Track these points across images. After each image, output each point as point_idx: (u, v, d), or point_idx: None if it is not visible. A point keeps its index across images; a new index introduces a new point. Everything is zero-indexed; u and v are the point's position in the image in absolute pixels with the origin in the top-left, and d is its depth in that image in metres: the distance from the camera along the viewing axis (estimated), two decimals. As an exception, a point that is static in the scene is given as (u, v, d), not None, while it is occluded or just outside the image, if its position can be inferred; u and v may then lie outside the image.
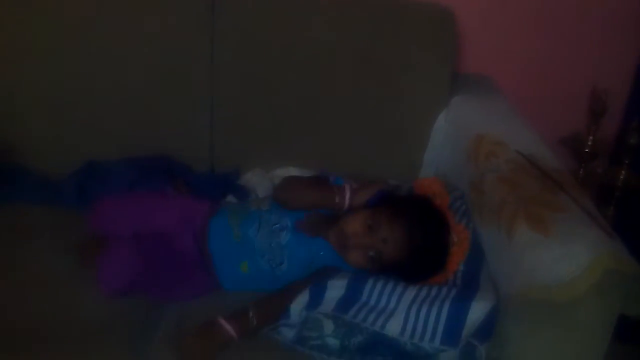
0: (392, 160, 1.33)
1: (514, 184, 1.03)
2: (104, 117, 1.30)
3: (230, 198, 1.26)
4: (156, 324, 1.01)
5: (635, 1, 1.48)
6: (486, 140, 1.16)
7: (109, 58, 1.27)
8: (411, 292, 0.96)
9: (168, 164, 1.27)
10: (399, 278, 1.00)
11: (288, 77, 1.30)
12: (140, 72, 1.28)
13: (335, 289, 0.97)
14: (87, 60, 1.27)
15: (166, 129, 1.31)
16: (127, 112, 1.30)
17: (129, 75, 1.29)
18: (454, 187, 1.19)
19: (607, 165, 1.53)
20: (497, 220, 1.00)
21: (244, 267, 1.06)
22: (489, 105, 1.31)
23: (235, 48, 1.28)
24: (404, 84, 1.31)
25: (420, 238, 0.99)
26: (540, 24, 1.51)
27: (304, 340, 0.97)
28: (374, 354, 0.95)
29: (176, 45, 1.27)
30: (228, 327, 0.95)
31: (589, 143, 1.49)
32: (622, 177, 1.45)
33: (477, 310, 0.93)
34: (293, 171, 1.32)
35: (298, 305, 0.97)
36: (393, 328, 0.93)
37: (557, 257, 0.88)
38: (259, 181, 1.31)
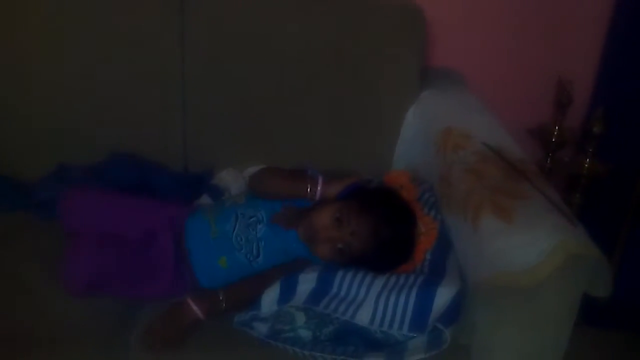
0: (363, 155, 1.34)
1: (480, 174, 1.05)
2: (75, 119, 1.29)
3: (205, 198, 1.26)
4: (132, 324, 1.01)
5: (598, -8, 1.51)
6: (454, 133, 1.17)
7: (78, 58, 1.26)
8: (380, 281, 0.98)
9: (140, 165, 1.27)
10: (368, 269, 1.01)
11: (259, 75, 1.30)
12: (110, 71, 1.27)
13: (306, 282, 0.99)
14: (55, 61, 1.26)
15: (138, 129, 1.30)
16: (98, 113, 1.29)
17: (98, 76, 1.27)
18: (423, 179, 1.21)
19: (573, 155, 1.56)
20: (464, 209, 1.01)
21: (223, 262, 1.07)
22: (457, 99, 1.32)
23: (206, 46, 1.27)
24: (374, 79, 1.31)
25: (387, 231, 1.00)
26: (505, 17, 1.52)
27: (277, 334, 0.98)
28: (346, 344, 0.96)
29: (146, 43, 1.26)
30: (195, 308, 0.97)
31: (556, 133, 1.51)
32: (587, 165, 1.47)
33: (443, 295, 0.95)
34: (266, 169, 1.33)
35: (269, 297, 0.98)
36: (363, 317, 0.94)
37: (521, 244, 0.90)
38: (233, 180, 1.31)
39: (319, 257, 1.04)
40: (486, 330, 0.93)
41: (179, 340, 0.97)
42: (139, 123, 1.30)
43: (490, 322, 0.93)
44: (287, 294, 0.98)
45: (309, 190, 1.08)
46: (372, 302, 0.95)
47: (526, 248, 0.89)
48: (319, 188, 1.08)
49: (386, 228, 1.00)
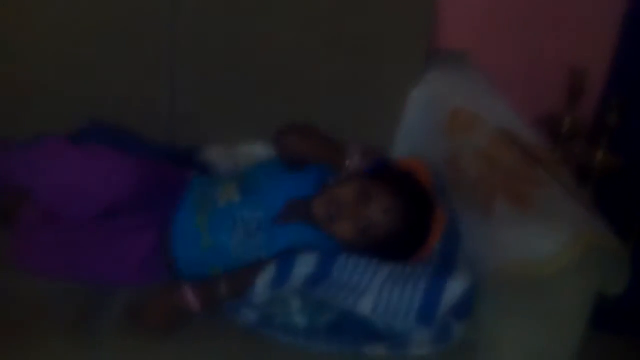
0: (366, 135, 1.27)
1: (492, 159, 1.01)
2: (55, 88, 1.21)
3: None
4: (103, 308, 0.95)
5: (613, -19, 1.46)
6: (463, 114, 1.13)
7: (58, 21, 1.19)
8: (385, 269, 0.93)
9: (118, 137, 1.16)
10: (381, 256, 0.96)
11: (256, 44, 1.24)
12: (93, 37, 1.20)
13: (304, 265, 0.92)
14: (36, 25, 1.19)
15: (121, 98, 1.23)
16: (79, 80, 1.22)
17: (80, 42, 1.20)
18: (429, 163, 1.14)
19: (584, 146, 1.51)
20: (475, 196, 0.98)
21: (216, 270, 0.99)
22: (466, 80, 1.28)
23: (199, 6, 1.21)
24: (379, 58, 1.27)
25: (415, 214, 0.97)
26: (518, 2, 1.48)
27: (269, 319, 0.92)
28: (344, 334, 0.91)
29: (134, 6, 1.19)
30: (191, 296, 0.90)
31: (567, 124, 1.47)
32: (599, 157, 1.44)
33: (454, 289, 0.90)
34: (259, 148, 1.26)
35: (263, 279, 0.91)
36: (365, 306, 0.90)
37: (537, 233, 0.87)
38: (222, 160, 1.24)
39: (335, 237, 0.97)
40: (493, 323, 0.90)
41: (167, 327, 0.90)
42: (121, 91, 1.23)
43: (499, 315, 0.90)
44: (283, 275, 0.91)
45: (348, 160, 1.02)
46: (376, 291, 0.90)
47: (543, 237, 0.86)
48: (357, 158, 1.02)
49: (415, 211, 0.97)
